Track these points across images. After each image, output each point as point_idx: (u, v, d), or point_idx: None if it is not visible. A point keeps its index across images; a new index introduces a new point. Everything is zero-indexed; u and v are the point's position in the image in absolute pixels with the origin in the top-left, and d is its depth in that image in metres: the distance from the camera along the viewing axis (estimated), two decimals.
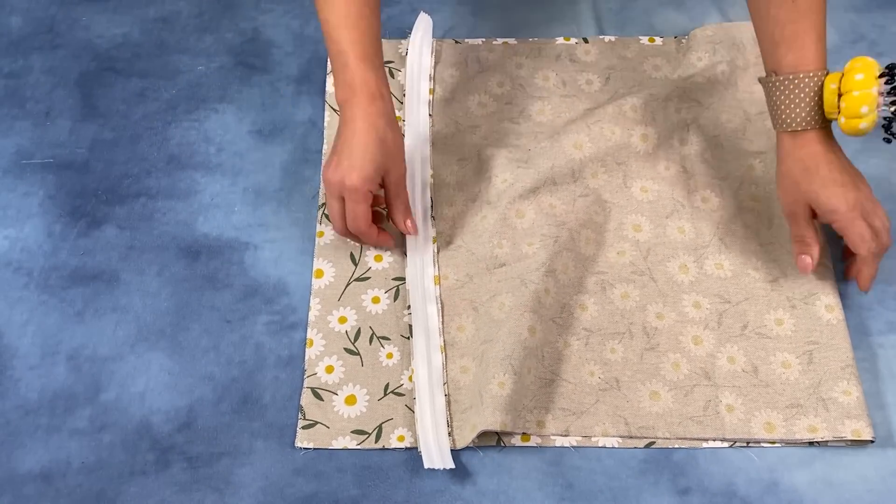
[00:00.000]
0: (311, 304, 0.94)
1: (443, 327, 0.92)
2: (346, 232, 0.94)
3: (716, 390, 0.89)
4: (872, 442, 0.86)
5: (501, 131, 1.07)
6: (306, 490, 0.84)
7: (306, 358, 0.91)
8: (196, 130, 1.08)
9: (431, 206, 1.00)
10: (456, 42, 1.14)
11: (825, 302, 0.93)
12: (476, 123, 1.07)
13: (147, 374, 0.90)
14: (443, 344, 0.91)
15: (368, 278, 0.97)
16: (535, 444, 0.87)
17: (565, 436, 0.87)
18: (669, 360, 0.91)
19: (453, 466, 0.84)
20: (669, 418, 0.88)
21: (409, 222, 0.95)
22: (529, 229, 0.97)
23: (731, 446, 0.87)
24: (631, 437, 0.87)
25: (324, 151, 1.05)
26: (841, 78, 0.84)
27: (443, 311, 0.93)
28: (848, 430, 0.86)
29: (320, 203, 1.01)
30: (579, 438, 0.87)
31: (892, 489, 0.85)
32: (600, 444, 0.87)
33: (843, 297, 0.96)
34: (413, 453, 0.87)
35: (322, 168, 0.96)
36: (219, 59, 1.14)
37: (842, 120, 0.84)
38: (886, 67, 0.82)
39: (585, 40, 1.15)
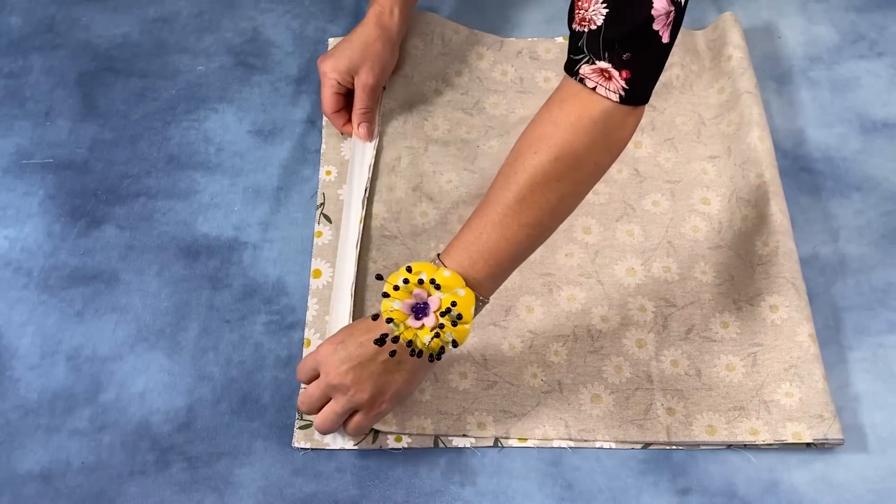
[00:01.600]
0: (308, 305, 0.94)
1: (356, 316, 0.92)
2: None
3: (657, 393, 0.89)
4: (841, 444, 0.86)
5: (454, 121, 1.07)
6: (306, 490, 0.84)
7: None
8: (196, 130, 1.08)
9: (367, 188, 1.00)
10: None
11: (770, 302, 0.93)
12: (429, 110, 1.07)
13: (146, 375, 0.90)
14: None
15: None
16: (534, 445, 0.86)
17: (506, 438, 0.87)
18: (612, 362, 0.91)
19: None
20: (609, 421, 0.87)
21: (361, 127, 1.02)
22: None
23: (729, 448, 0.87)
24: (570, 440, 0.87)
25: (322, 151, 1.05)
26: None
27: (364, 300, 0.93)
28: (789, 433, 0.86)
29: (319, 203, 1.01)
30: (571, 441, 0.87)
31: (892, 489, 0.85)
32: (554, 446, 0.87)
33: (842, 296, 0.96)
34: (412, 454, 0.87)
35: None
36: (218, 59, 1.14)
37: None
38: (433, 281, 0.75)
39: (551, 40, 1.15)
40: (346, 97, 1.04)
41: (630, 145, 1.05)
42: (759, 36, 1.17)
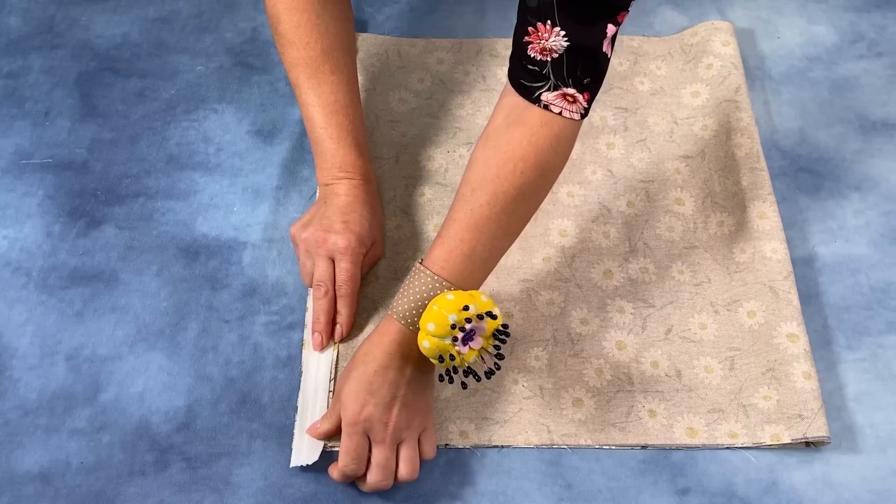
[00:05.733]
0: (308, 305, 0.94)
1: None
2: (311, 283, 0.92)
3: (639, 395, 0.89)
4: (827, 443, 0.86)
5: (421, 126, 1.07)
6: (305, 490, 0.84)
7: (303, 359, 0.91)
8: (195, 130, 1.08)
9: None
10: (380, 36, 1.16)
11: (747, 308, 0.93)
12: (396, 119, 1.08)
13: (146, 375, 0.90)
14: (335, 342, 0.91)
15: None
16: (533, 446, 0.86)
17: (488, 446, 0.86)
18: (593, 365, 0.91)
19: (316, 459, 0.83)
20: (592, 425, 0.87)
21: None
22: None
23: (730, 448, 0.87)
24: (553, 446, 0.86)
25: None
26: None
27: None
28: (767, 436, 0.86)
29: None
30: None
31: (891, 489, 0.85)
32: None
33: (841, 296, 0.96)
34: None
35: (298, 227, 0.93)
36: (218, 59, 1.14)
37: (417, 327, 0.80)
38: (488, 314, 0.78)
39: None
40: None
41: (603, 146, 1.06)
42: (759, 36, 1.17)
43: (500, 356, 0.80)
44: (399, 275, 0.96)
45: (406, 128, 1.07)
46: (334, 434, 0.84)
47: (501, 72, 1.12)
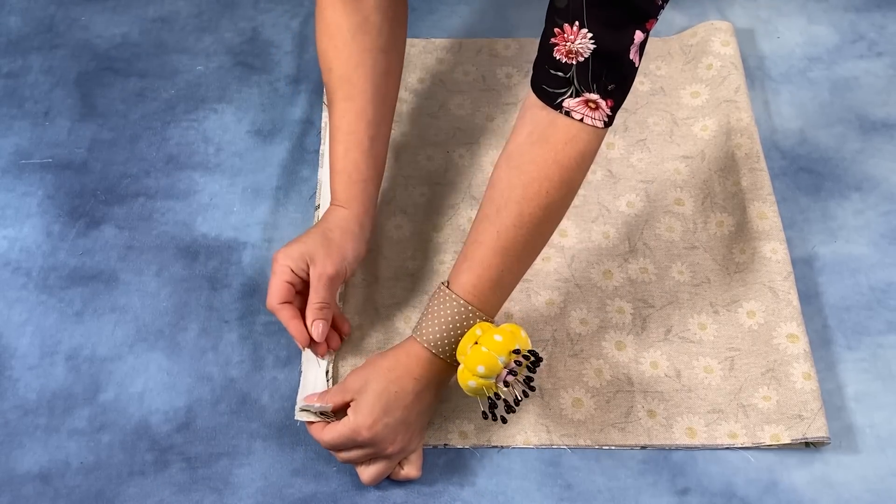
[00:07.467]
0: None
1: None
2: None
3: (638, 396, 0.89)
4: (827, 443, 0.86)
5: (421, 125, 1.07)
6: (305, 490, 0.84)
7: (302, 359, 0.91)
8: (195, 130, 1.08)
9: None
10: None
11: (747, 308, 0.93)
12: (396, 119, 1.07)
13: (146, 375, 0.90)
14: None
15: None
16: (533, 446, 0.86)
17: (487, 446, 0.86)
18: (592, 366, 0.91)
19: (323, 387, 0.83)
20: (591, 425, 0.87)
21: (315, 324, 0.85)
22: (444, 244, 0.98)
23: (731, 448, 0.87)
24: (552, 446, 0.86)
25: (321, 152, 1.05)
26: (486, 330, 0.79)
27: (343, 307, 0.93)
28: (767, 436, 0.86)
29: (317, 204, 1.01)
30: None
31: (891, 489, 0.85)
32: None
33: (841, 296, 0.96)
34: None
35: None
36: (218, 59, 1.14)
37: (460, 367, 0.79)
38: (529, 352, 0.78)
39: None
40: (302, 293, 0.88)
41: (603, 147, 1.05)
42: (759, 36, 1.17)
43: (531, 388, 0.80)
44: (398, 275, 0.96)
45: (406, 127, 1.07)
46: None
47: (501, 72, 1.12)
